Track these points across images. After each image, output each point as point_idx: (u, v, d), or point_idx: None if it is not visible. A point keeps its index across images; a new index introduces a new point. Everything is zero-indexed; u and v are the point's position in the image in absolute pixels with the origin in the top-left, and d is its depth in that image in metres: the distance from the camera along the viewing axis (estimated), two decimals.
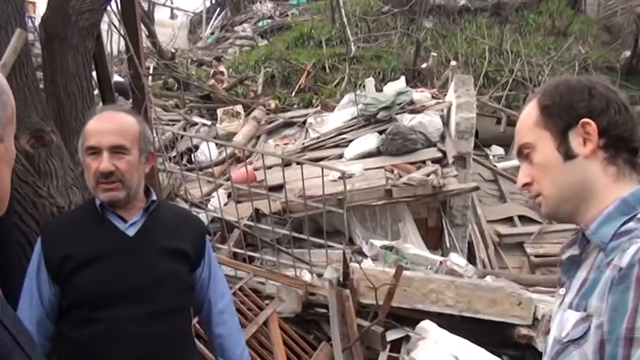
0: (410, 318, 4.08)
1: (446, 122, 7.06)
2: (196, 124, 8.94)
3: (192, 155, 6.99)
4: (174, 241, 1.99)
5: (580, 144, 1.26)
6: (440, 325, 3.86)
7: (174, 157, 6.37)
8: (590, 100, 1.27)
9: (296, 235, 4.74)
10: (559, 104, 1.29)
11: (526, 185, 1.36)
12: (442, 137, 6.81)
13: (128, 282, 1.88)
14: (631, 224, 1.19)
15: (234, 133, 8.38)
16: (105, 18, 3.91)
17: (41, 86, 3.23)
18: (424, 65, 10.37)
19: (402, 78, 9.30)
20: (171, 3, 20.52)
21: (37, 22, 5.84)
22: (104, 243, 1.89)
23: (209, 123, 8.94)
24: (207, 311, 2.15)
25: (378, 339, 3.68)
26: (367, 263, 4.68)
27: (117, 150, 1.86)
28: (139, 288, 1.89)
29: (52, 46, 3.24)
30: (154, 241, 1.95)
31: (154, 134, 4.67)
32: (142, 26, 5.74)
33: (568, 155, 1.28)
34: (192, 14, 20.30)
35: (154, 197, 2.01)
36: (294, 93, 10.97)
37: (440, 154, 6.44)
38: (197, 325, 2.75)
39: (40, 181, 2.65)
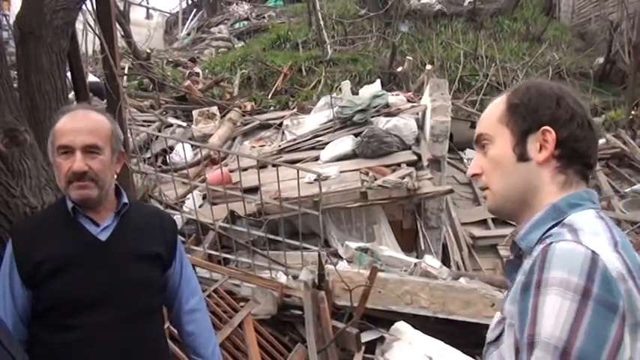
0: (384, 319, 4.11)
1: (421, 125, 7.11)
2: (171, 125, 8.86)
3: (167, 156, 6.93)
4: (146, 244, 1.99)
5: (536, 149, 1.28)
6: (414, 327, 3.89)
7: (149, 158, 6.31)
8: (557, 110, 1.28)
9: (271, 237, 4.74)
10: (526, 106, 1.30)
11: (475, 175, 1.37)
12: (417, 140, 6.86)
13: (102, 287, 1.86)
14: (556, 229, 1.20)
15: (210, 135, 8.33)
16: (80, 17, 3.87)
17: (15, 85, 3.18)
18: (400, 69, 10.44)
19: (378, 81, 9.34)
20: (147, 3, 20.33)
21: (12, 19, 5.75)
22: (77, 248, 1.88)
23: (184, 124, 8.87)
24: (178, 309, 2.15)
25: (353, 340, 3.71)
26: (342, 265, 4.69)
27: (90, 150, 1.84)
28: (112, 293, 1.87)
29: (27, 45, 3.20)
30: (126, 245, 1.94)
31: (129, 135, 4.63)
32: (118, 26, 5.68)
33: (522, 157, 1.29)
34: (168, 14, 20.13)
35: (126, 200, 1.99)
36: (270, 95, 10.94)
37: (415, 157, 6.48)
38: (170, 327, 2.73)
39: (14, 181, 2.61)
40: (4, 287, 1.86)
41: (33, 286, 1.85)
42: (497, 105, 1.36)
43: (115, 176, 1.99)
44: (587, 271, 1.05)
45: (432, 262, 4.88)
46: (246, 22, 15.75)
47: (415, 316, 4.10)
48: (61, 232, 1.90)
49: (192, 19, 18.33)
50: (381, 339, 3.95)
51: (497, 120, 1.33)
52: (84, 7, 3.79)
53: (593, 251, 1.08)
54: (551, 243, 1.12)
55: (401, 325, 3.91)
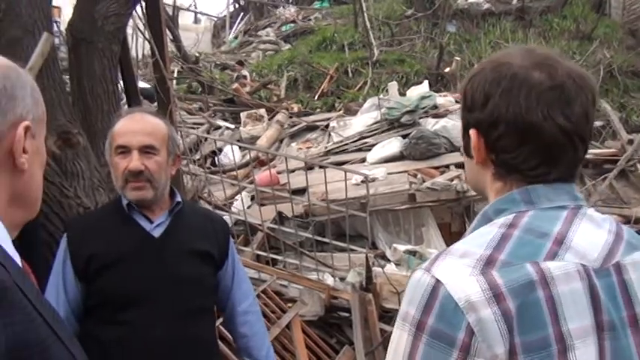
0: None
1: None
2: (220, 127, 8.99)
3: (216, 158, 7.02)
4: (198, 242, 2.00)
5: (474, 148, 1.12)
6: None
7: (199, 159, 6.42)
8: (483, 110, 1.08)
9: (318, 238, 4.74)
10: (465, 97, 1.14)
11: None
12: None
13: (152, 283, 1.88)
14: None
15: (258, 137, 8.41)
16: (130, 22, 3.96)
17: (68, 90, 3.28)
18: (447, 69, 10.31)
19: (426, 82, 9.25)
20: (195, 8, 20.70)
21: (63, 26, 5.93)
22: (130, 244, 1.91)
23: (232, 126, 8.98)
24: (231, 311, 2.16)
25: None
26: (390, 268, 4.65)
27: (147, 150, 1.88)
28: (163, 289, 1.89)
29: (79, 50, 3.29)
30: (178, 242, 1.96)
31: (179, 137, 4.71)
32: (167, 30, 5.80)
33: (467, 152, 1.16)
34: (215, 19, 20.43)
35: (179, 199, 2.02)
36: (316, 97, 10.96)
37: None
38: (221, 327, 2.75)
39: (67, 182, 2.69)
40: (58, 281, 1.91)
41: (85, 280, 1.89)
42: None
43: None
44: (425, 303, 0.97)
45: None
46: (292, 25, 15.84)
47: None
48: (114, 228, 1.94)
49: (239, 23, 18.56)
50: None
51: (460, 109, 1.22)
52: (134, 12, 3.88)
53: (437, 279, 0.97)
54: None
55: None
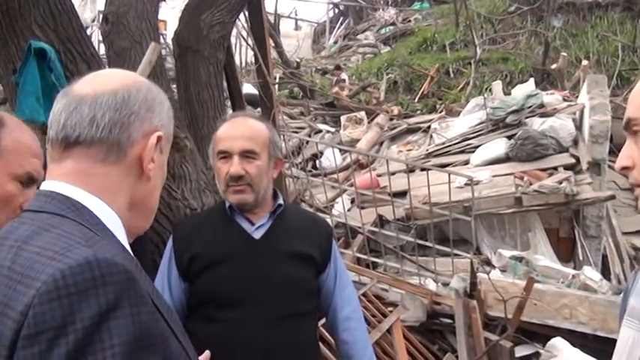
0: (539, 334, 3.87)
1: (579, 126, 6.66)
2: (321, 130, 9.09)
3: (318, 161, 7.10)
4: (300, 244, 1.99)
5: None
6: (572, 344, 3.61)
7: (300, 162, 6.52)
8: None
9: (420, 242, 4.66)
10: None
11: (625, 169, 1.08)
12: (575, 142, 6.43)
13: (252, 284, 1.89)
14: None
15: (358, 140, 8.43)
16: (234, 31, 4.09)
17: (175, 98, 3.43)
18: (554, 66, 9.84)
19: (531, 80, 8.89)
20: (296, 15, 21.11)
21: (168, 38, 6.22)
22: (231, 245, 1.93)
23: (333, 130, 9.06)
24: (333, 316, 2.12)
25: (506, 354, 3.51)
26: (495, 274, 4.49)
27: (247, 154, 1.90)
28: (263, 291, 1.90)
29: (185, 59, 3.42)
30: (279, 244, 1.96)
31: (282, 141, 4.80)
32: (269, 38, 5.94)
33: None
34: (315, 24, 20.74)
35: (281, 201, 2.03)
36: (417, 99, 10.85)
37: (573, 160, 6.08)
38: (322, 329, 2.75)
39: (175, 185, 2.79)
40: (163, 281, 1.98)
41: (188, 279, 1.94)
42: None
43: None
44: None
45: (591, 274, 4.52)
46: (392, 27, 15.75)
47: (572, 332, 3.82)
48: (217, 229, 1.98)
49: (338, 28, 18.71)
50: (536, 355, 3.71)
51: None
52: (238, 22, 4.00)
53: None
54: None
55: (558, 342, 3.64)
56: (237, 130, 1.95)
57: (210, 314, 1.90)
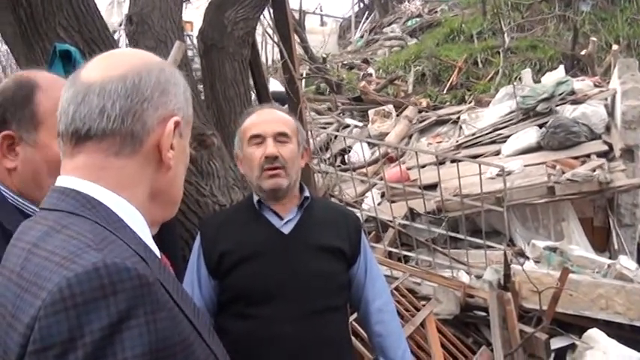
0: (575, 325, 3.80)
1: (611, 112, 6.51)
2: (349, 125, 9.07)
3: (346, 156, 7.09)
4: (329, 238, 1.98)
5: None
6: (608, 335, 3.54)
7: (329, 158, 6.51)
8: None
9: (452, 234, 4.62)
10: None
11: None
12: (607, 128, 6.28)
13: (283, 280, 1.89)
14: None
15: (387, 133, 8.38)
16: (259, 29, 4.10)
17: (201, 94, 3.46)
18: (583, 52, 9.63)
19: (561, 67, 8.73)
20: (321, 10, 21.06)
21: (195, 39, 6.27)
22: (260, 240, 1.93)
23: (361, 124, 9.03)
24: (365, 310, 2.11)
25: (542, 346, 3.46)
26: (529, 265, 4.42)
27: (280, 137, 1.92)
28: (293, 286, 1.89)
29: (211, 56, 3.44)
30: (308, 238, 1.95)
31: (309, 136, 4.81)
32: (294, 34, 5.94)
33: None
34: (341, 20, 20.66)
35: (307, 193, 2.02)
36: (445, 90, 10.73)
37: (605, 147, 5.95)
38: (354, 324, 2.74)
39: (203, 181, 2.81)
40: (193, 278, 1.98)
41: (217, 276, 1.94)
42: None
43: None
44: None
45: (627, 263, 4.41)
46: (418, 19, 15.61)
47: (608, 323, 3.74)
48: (246, 225, 1.98)
49: (364, 22, 18.62)
50: (572, 346, 3.65)
51: None
52: (263, 19, 4.00)
53: None
54: None
55: (594, 333, 3.58)
56: (268, 116, 1.99)
57: (241, 311, 1.90)
